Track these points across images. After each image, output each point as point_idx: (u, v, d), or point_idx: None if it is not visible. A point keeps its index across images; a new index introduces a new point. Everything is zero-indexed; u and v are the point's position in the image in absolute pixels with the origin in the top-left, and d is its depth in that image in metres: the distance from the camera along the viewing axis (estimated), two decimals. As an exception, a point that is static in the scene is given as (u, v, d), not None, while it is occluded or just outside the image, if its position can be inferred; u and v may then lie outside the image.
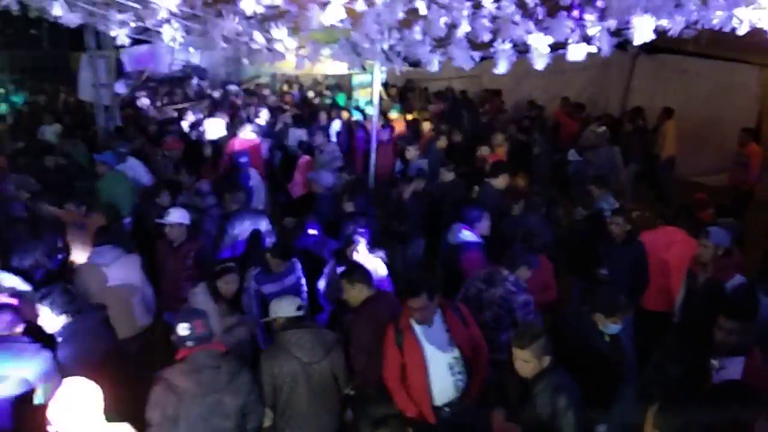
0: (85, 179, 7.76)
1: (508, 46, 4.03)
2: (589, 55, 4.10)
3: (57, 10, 4.34)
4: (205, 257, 5.52)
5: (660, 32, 3.46)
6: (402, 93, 14.67)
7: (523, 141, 9.96)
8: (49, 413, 2.85)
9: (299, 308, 3.95)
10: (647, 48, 11.17)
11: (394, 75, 14.69)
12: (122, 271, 5.00)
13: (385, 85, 14.62)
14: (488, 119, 11.29)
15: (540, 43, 3.91)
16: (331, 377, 3.91)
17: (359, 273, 4.32)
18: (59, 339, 3.87)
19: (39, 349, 3.66)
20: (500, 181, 6.72)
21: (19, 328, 3.73)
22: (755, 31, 3.43)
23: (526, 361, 3.38)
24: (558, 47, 4.06)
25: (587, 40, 3.85)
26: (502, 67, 4.20)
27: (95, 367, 3.58)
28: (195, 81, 16.11)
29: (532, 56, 4.03)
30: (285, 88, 15.81)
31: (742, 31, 3.22)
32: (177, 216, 5.42)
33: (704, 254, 4.84)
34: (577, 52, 3.85)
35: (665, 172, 10.30)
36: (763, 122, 10.16)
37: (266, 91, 14.89)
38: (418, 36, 4.47)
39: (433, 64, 4.62)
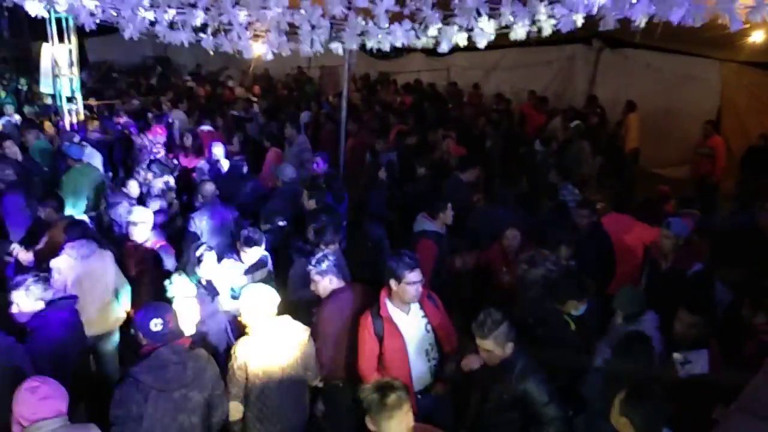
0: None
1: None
2: (556, 49, 4.13)
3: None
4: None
5: (621, 24, 3.48)
6: (371, 85, 14.62)
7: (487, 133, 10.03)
8: (15, 411, 2.79)
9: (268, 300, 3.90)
10: (611, 42, 11.37)
11: (366, 67, 14.78)
12: (99, 266, 4.92)
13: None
14: (458, 112, 11.34)
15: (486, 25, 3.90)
16: (301, 370, 3.90)
17: (327, 265, 4.27)
18: (30, 328, 3.78)
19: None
20: (469, 175, 6.75)
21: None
22: (715, 26, 3.47)
23: (489, 351, 3.40)
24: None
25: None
26: (444, 46, 4.20)
27: (65, 359, 3.52)
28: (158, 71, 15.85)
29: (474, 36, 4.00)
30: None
31: (698, 23, 3.26)
32: (140, 215, 5.35)
33: (665, 244, 4.98)
34: (519, 32, 3.83)
35: (629, 165, 10.48)
36: (722, 115, 10.40)
37: (231, 83, 14.71)
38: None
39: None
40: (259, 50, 5.00)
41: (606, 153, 9.47)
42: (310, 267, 4.23)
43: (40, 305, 3.84)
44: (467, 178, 6.72)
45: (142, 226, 5.28)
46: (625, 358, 3.45)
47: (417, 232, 5.40)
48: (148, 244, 5.30)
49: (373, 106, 11.85)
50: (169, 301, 4.23)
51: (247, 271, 4.96)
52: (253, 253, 4.94)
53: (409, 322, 3.90)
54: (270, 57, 4.89)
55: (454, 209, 5.45)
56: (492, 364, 3.46)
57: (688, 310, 3.77)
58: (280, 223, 5.81)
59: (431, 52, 13.90)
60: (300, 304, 4.53)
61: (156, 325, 3.32)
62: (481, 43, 4.12)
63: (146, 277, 5.23)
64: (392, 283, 3.82)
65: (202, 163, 7.93)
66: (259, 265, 5.05)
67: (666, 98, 10.95)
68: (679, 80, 10.84)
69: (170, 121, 10.23)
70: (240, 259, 4.94)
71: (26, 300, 3.81)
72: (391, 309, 3.89)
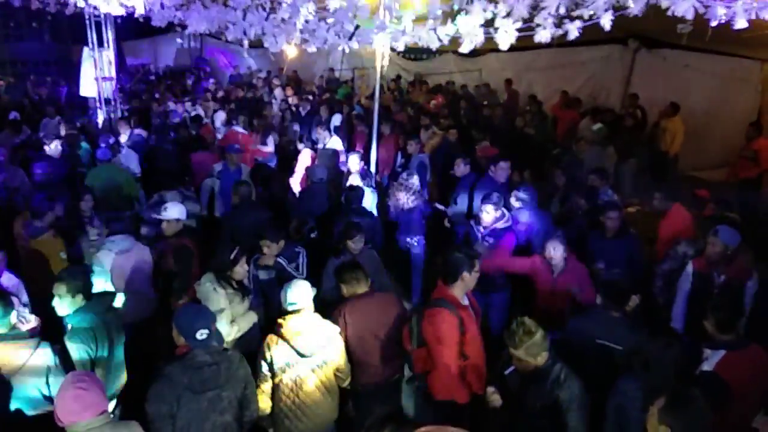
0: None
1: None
2: (590, 50, 4.09)
3: None
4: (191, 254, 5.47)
5: (663, 27, 3.41)
6: (403, 87, 14.60)
7: (526, 134, 9.92)
8: (56, 408, 2.83)
9: (298, 297, 3.90)
10: (648, 43, 11.12)
11: (398, 69, 14.79)
12: (138, 260, 5.12)
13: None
14: (489, 113, 11.23)
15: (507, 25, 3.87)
16: (330, 369, 3.91)
17: (348, 271, 4.32)
18: (69, 324, 3.85)
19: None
20: (500, 175, 6.70)
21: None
22: (756, 26, 3.38)
23: (520, 360, 3.40)
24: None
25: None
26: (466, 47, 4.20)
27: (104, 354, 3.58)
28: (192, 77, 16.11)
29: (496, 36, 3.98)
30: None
31: (739, 25, 3.17)
32: (175, 212, 5.43)
33: (714, 253, 4.71)
34: (543, 35, 3.79)
35: (670, 168, 10.24)
36: (763, 117, 10.10)
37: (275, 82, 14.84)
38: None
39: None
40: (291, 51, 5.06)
41: (644, 155, 9.27)
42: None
43: (80, 301, 3.91)
44: (499, 178, 6.67)
45: (174, 223, 5.38)
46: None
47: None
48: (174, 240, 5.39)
49: (405, 107, 11.83)
50: (198, 300, 4.28)
51: (277, 267, 4.97)
52: (276, 249, 4.97)
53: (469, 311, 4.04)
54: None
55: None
56: (525, 372, 3.44)
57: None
58: (312, 235, 5.85)
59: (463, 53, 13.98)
60: (332, 303, 4.54)
61: (201, 334, 3.35)
62: (503, 45, 4.11)
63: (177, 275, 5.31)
64: (465, 273, 3.93)
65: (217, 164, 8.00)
66: (290, 259, 5.07)
67: (705, 99, 10.67)
68: (718, 81, 10.55)
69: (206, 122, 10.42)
70: (265, 256, 4.97)
71: (67, 294, 3.89)
72: (463, 300, 4.00)
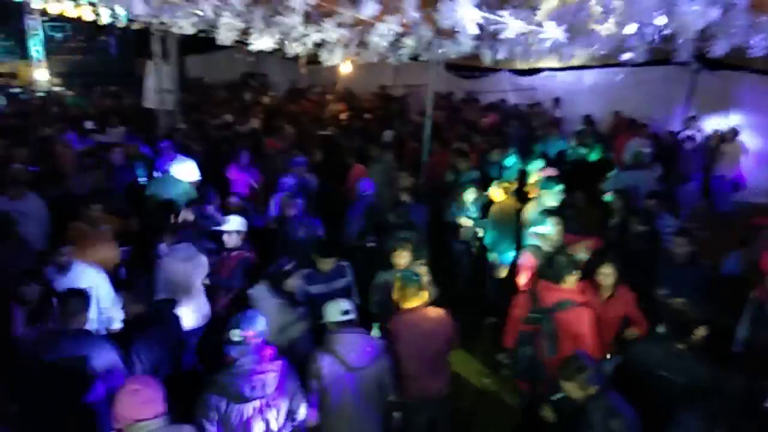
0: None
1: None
2: (648, 70, 4.00)
3: (138, 8, 4.52)
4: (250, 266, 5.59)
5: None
6: (455, 104, 14.56)
7: (580, 155, 9.73)
8: (116, 411, 2.89)
9: (345, 312, 3.93)
10: (710, 64, 10.77)
11: (450, 86, 14.78)
12: (196, 268, 5.32)
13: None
14: (541, 133, 11.08)
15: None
16: (376, 383, 3.90)
17: (404, 284, 4.32)
18: (131, 329, 3.98)
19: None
20: (550, 197, 6.58)
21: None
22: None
23: (571, 391, 3.46)
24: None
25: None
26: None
27: (161, 360, 3.66)
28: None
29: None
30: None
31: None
32: (234, 224, 5.56)
33: None
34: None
35: (724, 192, 9.87)
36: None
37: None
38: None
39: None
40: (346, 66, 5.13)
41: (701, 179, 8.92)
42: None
43: (142, 309, 4.03)
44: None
45: (234, 234, 5.48)
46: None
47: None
48: (236, 253, 5.49)
49: (456, 125, 11.79)
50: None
51: (327, 281, 4.99)
52: (329, 264, 5.01)
53: None
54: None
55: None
56: (575, 401, 3.44)
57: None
58: (369, 245, 5.88)
59: (517, 71, 13.86)
60: (379, 316, 4.54)
61: (235, 335, 3.39)
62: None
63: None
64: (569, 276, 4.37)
65: (288, 176, 8.11)
66: (339, 274, 5.10)
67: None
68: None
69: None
70: (314, 269, 5.01)
71: (131, 302, 4.02)
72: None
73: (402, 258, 5.07)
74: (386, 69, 14.30)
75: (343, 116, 13.30)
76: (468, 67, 13.59)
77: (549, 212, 5.69)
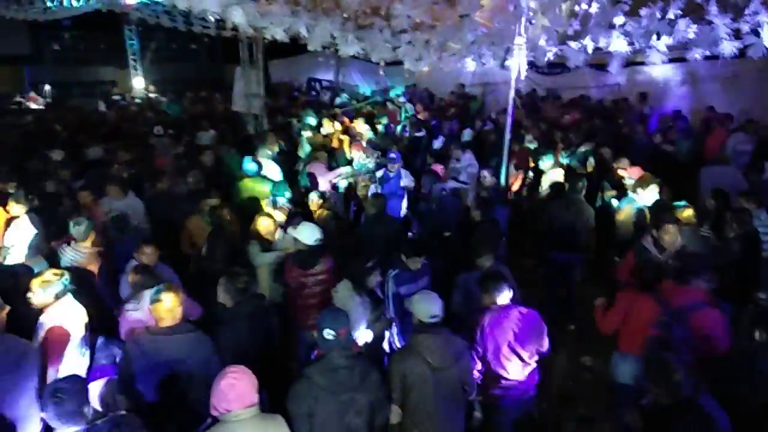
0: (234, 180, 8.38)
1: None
2: (742, 62, 3.78)
3: (237, 18, 4.75)
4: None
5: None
6: (537, 101, 14.26)
7: (668, 152, 9.29)
8: (212, 398, 3.05)
9: (434, 316, 3.93)
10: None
11: (532, 83, 14.48)
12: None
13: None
14: (628, 130, 10.65)
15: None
16: (458, 383, 3.89)
17: (487, 281, 4.31)
18: (221, 322, 4.20)
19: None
20: (647, 196, 6.32)
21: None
22: None
23: (659, 395, 3.33)
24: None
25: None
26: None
27: (251, 353, 3.82)
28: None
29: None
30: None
31: None
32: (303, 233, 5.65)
33: None
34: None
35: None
36: None
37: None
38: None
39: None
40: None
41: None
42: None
43: (231, 302, 4.23)
44: (644, 201, 6.29)
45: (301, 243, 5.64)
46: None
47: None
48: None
49: (538, 122, 11.55)
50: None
51: (415, 280, 5.04)
52: (417, 263, 5.03)
53: None
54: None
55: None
56: (663, 403, 3.31)
57: None
58: (446, 234, 5.90)
59: (600, 66, 13.38)
60: (459, 316, 4.53)
61: (328, 334, 3.49)
62: (654, 59, 3.90)
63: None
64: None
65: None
66: (424, 273, 5.12)
67: None
68: None
69: None
70: (402, 268, 5.04)
71: (224, 296, 4.22)
72: None
73: (486, 258, 5.04)
74: (464, 67, 14.20)
75: (421, 116, 13.32)
76: (549, 64, 13.25)
77: (659, 212, 5.44)
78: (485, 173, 7.34)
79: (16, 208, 6.28)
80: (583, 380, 5.76)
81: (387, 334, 4.84)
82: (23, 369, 3.73)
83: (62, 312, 4.23)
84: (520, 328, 4.17)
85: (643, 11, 3.56)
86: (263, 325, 4.35)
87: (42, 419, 3.46)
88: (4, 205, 6.44)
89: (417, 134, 11.15)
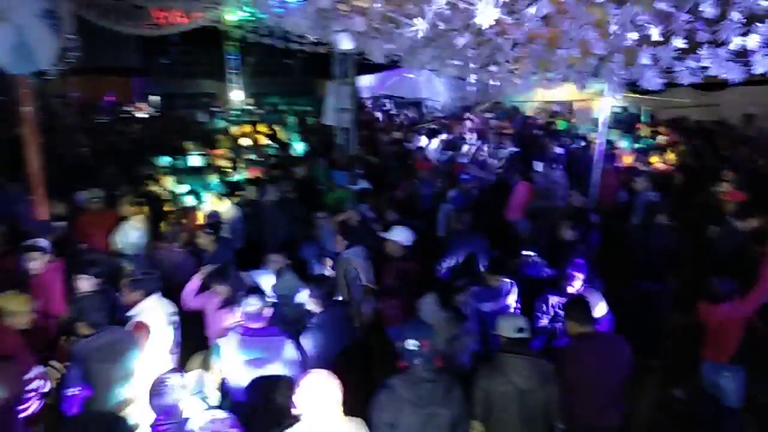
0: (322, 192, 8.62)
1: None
2: None
3: (345, 44, 4.94)
4: (412, 276, 5.70)
5: None
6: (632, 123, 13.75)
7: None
8: (295, 399, 3.15)
9: (520, 330, 3.88)
10: None
11: (626, 102, 14.00)
12: (365, 271, 5.63)
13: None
14: (730, 153, 10.06)
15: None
16: (543, 407, 3.79)
17: (573, 308, 4.17)
18: (308, 327, 4.33)
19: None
20: (747, 224, 5.94)
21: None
22: None
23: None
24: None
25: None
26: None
27: (334, 357, 3.92)
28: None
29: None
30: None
31: None
32: (398, 235, 5.74)
33: None
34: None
35: None
36: None
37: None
38: (645, 61, 4.28)
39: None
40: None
41: None
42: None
43: (319, 308, 4.36)
44: (744, 227, 5.91)
45: (396, 244, 5.69)
46: None
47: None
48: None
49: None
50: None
51: (497, 298, 4.98)
52: (499, 281, 4.99)
53: None
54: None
55: (724, 260, 4.88)
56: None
57: None
58: (529, 253, 5.79)
59: (700, 86, 12.70)
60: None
61: (411, 345, 3.51)
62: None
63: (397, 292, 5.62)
64: None
65: (451, 191, 8.23)
66: (507, 292, 5.07)
67: None
68: None
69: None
70: (484, 285, 5.00)
71: (311, 301, 4.36)
72: None
73: (575, 282, 4.90)
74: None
75: (507, 132, 13.17)
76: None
77: None
78: (573, 193, 7.14)
79: (126, 210, 6.75)
80: (674, 413, 5.47)
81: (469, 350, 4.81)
82: (125, 358, 4.02)
83: (149, 308, 4.57)
84: (607, 356, 4.01)
85: (762, 27, 3.34)
86: (347, 331, 4.44)
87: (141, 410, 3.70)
88: (115, 207, 6.94)
89: (501, 150, 11.03)
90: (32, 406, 3.92)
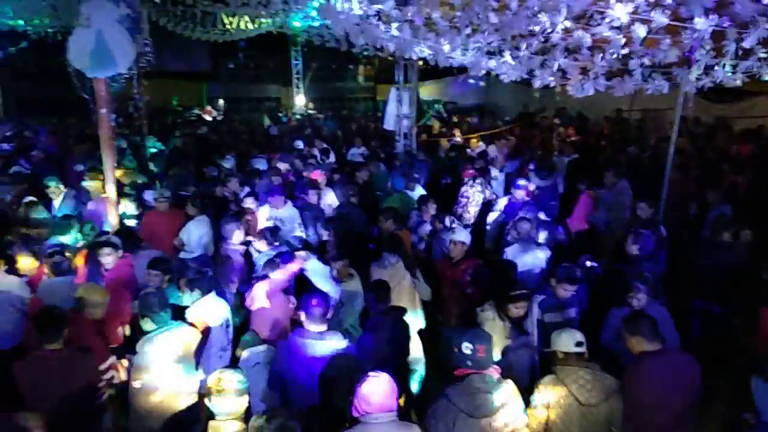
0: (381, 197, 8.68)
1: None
2: None
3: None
4: (483, 276, 5.64)
5: None
6: (707, 132, 13.18)
7: None
8: (354, 400, 3.18)
9: (578, 344, 3.78)
10: None
11: (698, 110, 13.44)
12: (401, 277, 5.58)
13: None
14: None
15: None
16: (605, 423, 3.68)
17: (639, 324, 3.98)
18: (367, 330, 4.44)
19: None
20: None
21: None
22: None
23: None
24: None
25: None
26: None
27: (390, 361, 3.94)
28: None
29: None
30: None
31: None
32: (461, 235, 5.76)
33: None
34: None
35: None
36: None
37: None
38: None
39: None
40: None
41: None
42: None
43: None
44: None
45: (459, 245, 5.68)
46: None
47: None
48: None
49: (705, 153, 10.66)
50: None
51: (562, 310, 4.88)
52: (567, 292, 4.87)
53: None
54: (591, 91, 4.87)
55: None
56: None
57: None
58: (588, 264, 5.64)
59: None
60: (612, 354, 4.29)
61: (466, 348, 3.48)
62: None
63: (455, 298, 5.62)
64: None
65: (502, 199, 8.12)
66: (572, 303, 4.96)
67: None
68: None
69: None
70: (553, 299, 4.89)
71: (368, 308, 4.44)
72: None
73: (639, 298, 4.73)
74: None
75: (572, 139, 12.86)
76: (719, 90, 12.19)
77: None
78: (642, 205, 6.89)
79: (193, 210, 6.99)
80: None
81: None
82: (186, 358, 4.15)
83: (205, 308, 4.71)
84: (673, 377, 3.84)
85: None
86: (403, 336, 4.45)
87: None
88: (183, 207, 7.19)
89: (564, 158, 10.81)
90: (104, 395, 4.11)
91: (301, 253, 5.64)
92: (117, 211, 6.81)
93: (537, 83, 4.75)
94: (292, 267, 5.40)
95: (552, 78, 4.81)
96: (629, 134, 13.58)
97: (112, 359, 4.30)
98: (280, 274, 5.27)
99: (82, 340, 4.16)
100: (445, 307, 5.77)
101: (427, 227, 6.99)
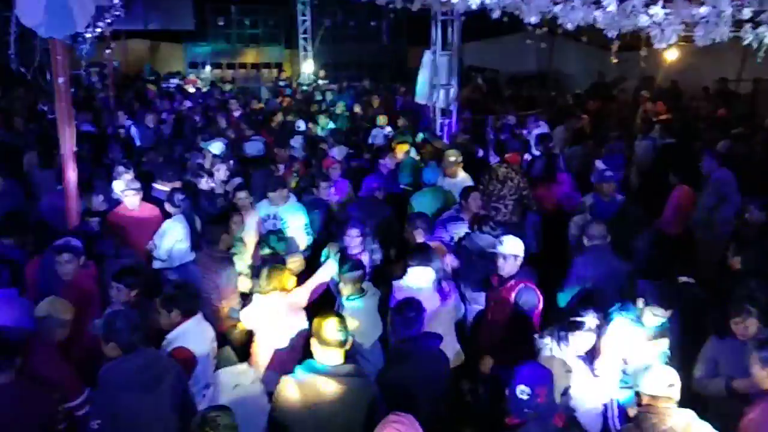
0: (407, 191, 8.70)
1: None
2: None
3: None
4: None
5: None
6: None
7: None
8: None
9: (671, 386, 3.78)
10: None
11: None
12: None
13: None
14: None
15: None
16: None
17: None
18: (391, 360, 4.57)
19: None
20: None
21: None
22: None
23: None
24: None
25: None
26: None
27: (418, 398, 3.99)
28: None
29: None
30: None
31: None
32: (513, 246, 5.65)
33: None
34: None
35: None
36: None
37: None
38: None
39: None
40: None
41: None
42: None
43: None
44: None
45: (511, 259, 5.61)
46: None
47: None
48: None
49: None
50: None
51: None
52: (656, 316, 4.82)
53: None
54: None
55: None
56: None
57: None
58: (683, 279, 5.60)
59: None
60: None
61: (522, 393, 3.48)
62: None
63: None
64: None
65: (587, 197, 8.07)
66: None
67: None
68: None
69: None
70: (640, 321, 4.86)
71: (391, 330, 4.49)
72: None
73: (748, 325, 4.65)
74: (728, 56, 13.31)
75: (662, 118, 12.73)
76: None
77: None
78: (752, 207, 6.76)
79: (171, 207, 6.99)
80: None
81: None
82: (163, 386, 4.19)
83: (188, 335, 4.70)
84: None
85: None
86: (434, 368, 4.45)
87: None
88: (158, 202, 7.26)
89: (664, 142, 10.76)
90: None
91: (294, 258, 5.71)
92: (78, 207, 6.73)
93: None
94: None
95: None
96: (737, 111, 13.39)
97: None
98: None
99: (46, 370, 4.24)
100: (487, 336, 5.76)
101: (463, 227, 6.93)
